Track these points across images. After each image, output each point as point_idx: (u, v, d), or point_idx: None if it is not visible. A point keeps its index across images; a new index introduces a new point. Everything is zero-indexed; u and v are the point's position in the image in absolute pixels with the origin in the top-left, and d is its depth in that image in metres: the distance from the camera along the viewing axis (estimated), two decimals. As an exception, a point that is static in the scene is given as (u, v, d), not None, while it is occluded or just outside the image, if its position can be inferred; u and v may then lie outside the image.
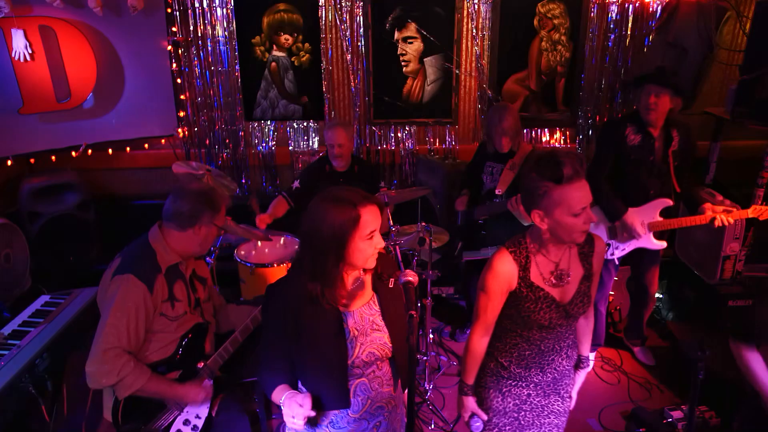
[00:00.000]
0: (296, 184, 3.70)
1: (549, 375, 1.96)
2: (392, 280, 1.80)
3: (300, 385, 1.78)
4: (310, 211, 1.65)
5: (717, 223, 2.94)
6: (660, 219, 3.11)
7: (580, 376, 2.11)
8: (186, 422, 2.19)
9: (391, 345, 1.77)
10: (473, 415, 2.01)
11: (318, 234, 1.61)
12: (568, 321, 1.88)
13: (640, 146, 3.12)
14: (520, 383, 1.96)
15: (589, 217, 1.70)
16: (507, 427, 2.02)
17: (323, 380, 1.72)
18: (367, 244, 1.63)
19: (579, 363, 2.10)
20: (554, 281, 1.83)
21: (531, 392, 1.97)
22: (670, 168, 3.10)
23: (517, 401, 1.98)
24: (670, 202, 3.10)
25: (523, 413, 1.99)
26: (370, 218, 1.62)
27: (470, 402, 2.00)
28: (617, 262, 3.43)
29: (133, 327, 1.97)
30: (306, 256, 1.66)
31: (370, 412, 1.78)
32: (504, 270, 1.81)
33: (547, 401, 2.00)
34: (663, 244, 3.17)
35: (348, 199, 1.61)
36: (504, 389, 1.97)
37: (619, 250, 3.26)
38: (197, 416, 2.22)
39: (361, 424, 1.79)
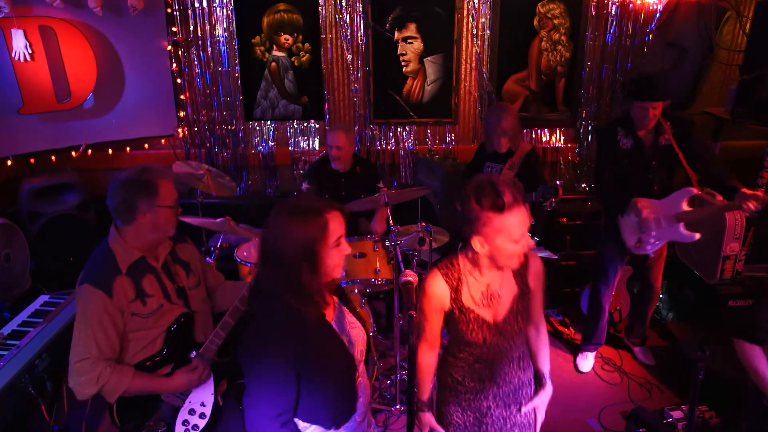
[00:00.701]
0: (305, 185, 3.70)
1: (504, 387, 1.95)
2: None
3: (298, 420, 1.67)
4: (271, 227, 1.57)
5: (746, 207, 2.75)
6: (688, 209, 3.07)
7: (541, 397, 2.03)
8: (191, 412, 2.16)
9: (366, 336, 1.78)
10: (431, 430, 1.99)
11: (286, 248, 1.53)
12: (505, 337, 1.88)
13: (632, 150, 3.15)
14: (478, 396, 1.95)
15: (527, 243, 1.73)
16: None
17: (337, 397, 1.68)
18: (336, 251, 1.60)
19: (539, 380, 2.06)
20: (485, 302, 1.84)
21: (491, 404, 1.96)
22: (680, 158, 3.08)
23: (477, 414, 1.97)
24: (694, 191, 3.02)
25: (484, 427, 1.98)
26: (336, 225, 1.59)
27: (427, 417, 1.98)
28: (625, 258, 3.42)
29: (101, 336, 1.94)
30: (279, 273, 1.57)
31: (364, 410, 1.80)
32: (436, 292, 1.82)
33: (508, 412, 1.99)
34: (696, 236, 3.03)
35: (312, 208, 1.57)
36: (464, 403, 1.96)
37: (651, 245, 3.20)
38: (202, 404, 2.18)
39: (362, 426, 1.80)
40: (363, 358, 1.77)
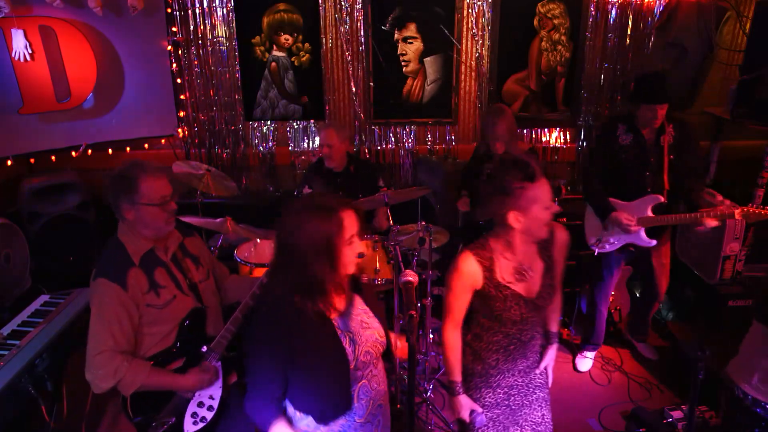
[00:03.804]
0: (306, 189, 3.71)
1: (531, 358, 2.08)
2: (364, 275, 1.84)
3: (288, 403, 1.74)
4: (287, 224, 1.61)
5: (703, 220, 2.91)
6: (651, 215, 3.11)
7: (551, 354, 2.16)
8: (200, 404, 2.18)
9: (383, 339, 1.78)
10: (473, 411, 2.02)
11: (301, 243, 1.57)
12: (539, 312, 1.99)
13: (630, 146, 3.14)
14: (507, 375, 2.05)
15: (554, 209, 1.84)
16: (501, 416, 2.09)
17: (326, 393, 1.69)
18: (349, 249, 1.65)
19: (548, 339, 2.16)
20: (517, 277, 1.91)
21: (517, 377, 2.08)
22: (664, 163, 3.10)
23: (505, 389, 2.07)
24: (661, 199, 3.08)
25: (512, 398, 2.09)
26: (350, 222, 1.63)
27: (466, 399, 2.03)
28: (621, 263, 3.42)
29: (117, 329, 1.96)
30: (291, 270, 1.61)
31: (372, 413, 1.78)
32: (468, 270, 1.88)
33: (529, 378, 2.11)
34: (652, 242, 3.16)
35: (327, 205, 1.61)
36: (494, 384, 2.06)
37: (610, 245, 3.27)
38: (211, 397, 2.20)
39: (367, 428, 1.78)
40: (371, 359, 1.74)
